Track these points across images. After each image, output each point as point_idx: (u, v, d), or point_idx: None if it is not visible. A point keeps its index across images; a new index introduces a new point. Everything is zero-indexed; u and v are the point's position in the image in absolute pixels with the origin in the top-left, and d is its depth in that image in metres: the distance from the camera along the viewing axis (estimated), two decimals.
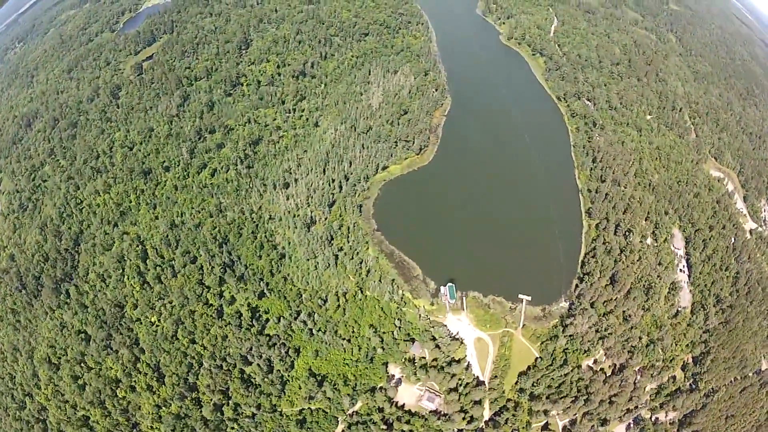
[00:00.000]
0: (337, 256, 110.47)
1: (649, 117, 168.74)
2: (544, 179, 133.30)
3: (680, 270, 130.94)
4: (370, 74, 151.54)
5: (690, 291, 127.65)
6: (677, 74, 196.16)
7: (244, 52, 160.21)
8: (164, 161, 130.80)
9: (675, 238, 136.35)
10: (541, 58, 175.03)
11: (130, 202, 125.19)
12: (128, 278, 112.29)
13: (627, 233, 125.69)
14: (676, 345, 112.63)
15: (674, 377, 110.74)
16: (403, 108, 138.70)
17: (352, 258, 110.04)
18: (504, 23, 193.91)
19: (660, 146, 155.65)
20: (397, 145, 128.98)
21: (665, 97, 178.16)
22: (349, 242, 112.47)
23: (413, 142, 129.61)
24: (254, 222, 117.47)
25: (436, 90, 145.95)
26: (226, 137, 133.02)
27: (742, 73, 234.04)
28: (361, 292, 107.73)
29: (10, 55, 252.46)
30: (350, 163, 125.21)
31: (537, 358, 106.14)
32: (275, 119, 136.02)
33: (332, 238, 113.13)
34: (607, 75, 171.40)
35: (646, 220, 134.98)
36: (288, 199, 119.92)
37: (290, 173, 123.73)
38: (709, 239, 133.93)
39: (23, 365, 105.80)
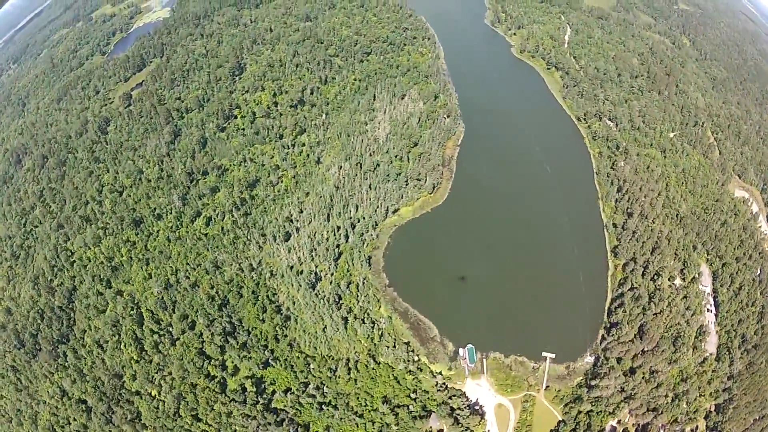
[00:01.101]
0: (346, 319, 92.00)
1: (672, 135, 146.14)
2: (566, 214, 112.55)
3: (708, 310, 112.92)
4: (374, 99, 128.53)
5: (716, 332, 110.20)
6: (696, 83, 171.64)
7: (237, 78, 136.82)
8: (155, 208, 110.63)
9: (703, 275, 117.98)
10: (557, 72, 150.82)
11: (122, 256, 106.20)
12: (125, 346, 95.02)
13: (655, 276, 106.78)
14: (701, 396, 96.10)
15: (696, 427, 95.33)
16: (413, 139, 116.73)
17: (363, 321, 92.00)
18: (515, 34, 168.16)
19: (685, 168, 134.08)
20: (407, 184, 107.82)
21: (687, 111, 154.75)
22: (358, 302, 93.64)
23: (425, 180, 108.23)
24: (254, 280, 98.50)
25: (448, 117, 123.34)
26: (220, 180, 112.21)
27: (755, 74, 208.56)
28: (374, 359, 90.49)
29: (4, 78, 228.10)
30: (357, 207, 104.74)
31: (560, 421, 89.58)
32: (273, 157, 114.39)
33: (340, 298, 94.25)
34: (628, 90, 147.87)
35: (674, 256, 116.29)
36: (290, 251, 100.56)
37: (291, 221, 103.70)
38: (737, 273, 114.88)
39: (28, 430, 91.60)
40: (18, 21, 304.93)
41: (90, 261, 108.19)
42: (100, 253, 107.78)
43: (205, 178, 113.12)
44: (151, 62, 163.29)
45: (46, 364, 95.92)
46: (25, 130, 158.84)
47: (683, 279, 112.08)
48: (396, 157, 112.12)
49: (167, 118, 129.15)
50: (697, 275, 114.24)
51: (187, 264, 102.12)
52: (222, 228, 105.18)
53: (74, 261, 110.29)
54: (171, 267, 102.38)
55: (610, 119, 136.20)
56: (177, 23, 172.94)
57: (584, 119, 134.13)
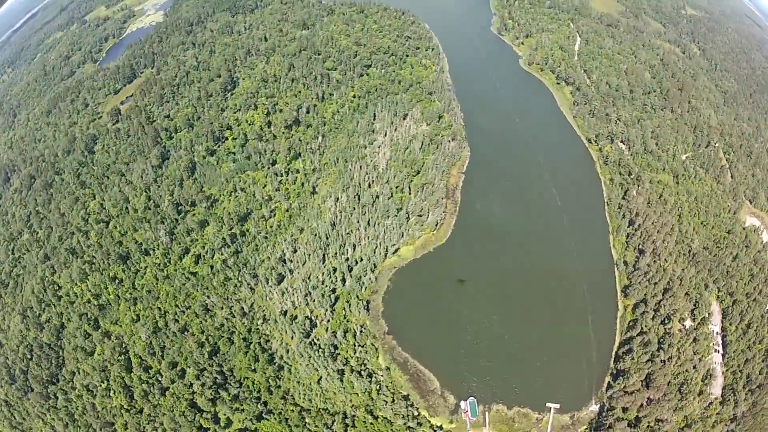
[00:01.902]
0: (342, 371, 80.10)
1: (684, 157, 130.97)
2: (575, 250, 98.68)
3: (715, 350, 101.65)
4: (374, 119, 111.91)
5: (722, 373, 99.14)
6: (708, 99, 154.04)
7: (229, 94, 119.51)
8: (142, 242, 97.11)
9: (713, 314, 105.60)
10: (567, 87, 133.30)
11: (109, 294, 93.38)
12: (114, 393, 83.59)
13: (666, 320, 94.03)
14: None
15: None
16: (415, 167, 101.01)
17: (360, 374, 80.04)
18: (522, 43, 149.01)
19: (698, 196, 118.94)
20: (409, 221, 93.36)
21: (700, 130, 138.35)
22: (355, 353, 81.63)
23: (427, 216, 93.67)
24: (246, 326, 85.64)
25: (453, 140, 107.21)
26: (209, 212, 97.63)
27: (764, 84, 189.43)
28: (371, 414, 79.64)
29: None
30: (354, 246, 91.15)
31: None
32: (265, 186, 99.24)
33: (336, 348, 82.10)
34: (640, 108, 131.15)
35: (685, 296, 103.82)
36: (283, 295, 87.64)
37: (284, 262, 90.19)
38: (746, 310, 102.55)
39: None
40: (15, 21, 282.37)
41: (77, 297, 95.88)
42: (87, 290, 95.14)
43: (193, 210, 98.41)
44: (141, 73, 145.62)
45: (37, 404, 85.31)
46: (14, 144, 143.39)
47: (693, 320, 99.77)
48: (397, 188, 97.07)
49: (155, 139, 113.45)
50: (707, 315, 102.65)
51: (176, 306, 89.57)
52: (211, 267, 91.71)
53: (61, 296, 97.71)
54: (159, 308, 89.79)
55: (622, 141, 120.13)
56: (169, 30, 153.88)
57: (595, 141, 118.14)
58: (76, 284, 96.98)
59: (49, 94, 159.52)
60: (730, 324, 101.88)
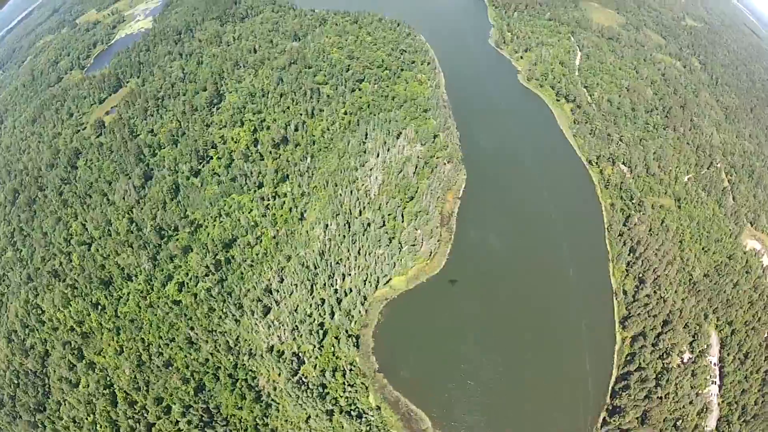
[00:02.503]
0: (332, 411, 73.25)
1: (687, 178, 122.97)
2: (574, 278, 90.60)
3: (712, 382, 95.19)
4: (366, 138, 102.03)
5: (718, 404, 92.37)
6: (709, 116, 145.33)
7: (215, 109, 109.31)
8: (125, 267, 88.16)
9: (711, 346, 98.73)
10: (567, 104, 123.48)
11: (91, 321, 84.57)
12: (101, 427, 75.26)
13: (664, 354, 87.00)
14: None
15: None
16: (409, 193, 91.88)
17: (350, 414, 72.70)
18: (522, 57, 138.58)
19: (700, 221, 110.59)
20: (401, 249, 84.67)
21: (702, 150, 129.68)
22: (345, 392, 73.98)
23: (421, 245, 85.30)
24: (232, 361, 77.21)
25: (449, 163, 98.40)
26: (192, 237, 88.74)
27: (764, 98, 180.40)
28: None
29: None
30: (344, 277, 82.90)
31: None
32: (251, 210, 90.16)
33: (325, 387, 74.63)
34: (642, 127, 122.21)
35: (684, 327, 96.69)
36: (269, 328, 79.82)
37: (270, 292, 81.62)
38: (745, 340, 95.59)
39: None
40: (10, 21, 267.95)
41: (60, 323, 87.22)
42: (70, 317, 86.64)
43: (176, 235, 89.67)
44: (127, 82, 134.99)
45: None
46: (1, 153, 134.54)
47: (692, 352, 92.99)
48: (389, 215, 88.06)
49: (138, 156, 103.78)
50: (705, 347, 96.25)
51: (160, 338, 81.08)
52: (195, 296, 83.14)
53: (44, 321, 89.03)
54: (143, 339, 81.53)
55: (624, 163, 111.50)
56: (156, 39, 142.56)
57: (596, 163, 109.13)
58: (59, 310, 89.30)
59: (35, 101, 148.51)
60: (728, 354, 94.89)
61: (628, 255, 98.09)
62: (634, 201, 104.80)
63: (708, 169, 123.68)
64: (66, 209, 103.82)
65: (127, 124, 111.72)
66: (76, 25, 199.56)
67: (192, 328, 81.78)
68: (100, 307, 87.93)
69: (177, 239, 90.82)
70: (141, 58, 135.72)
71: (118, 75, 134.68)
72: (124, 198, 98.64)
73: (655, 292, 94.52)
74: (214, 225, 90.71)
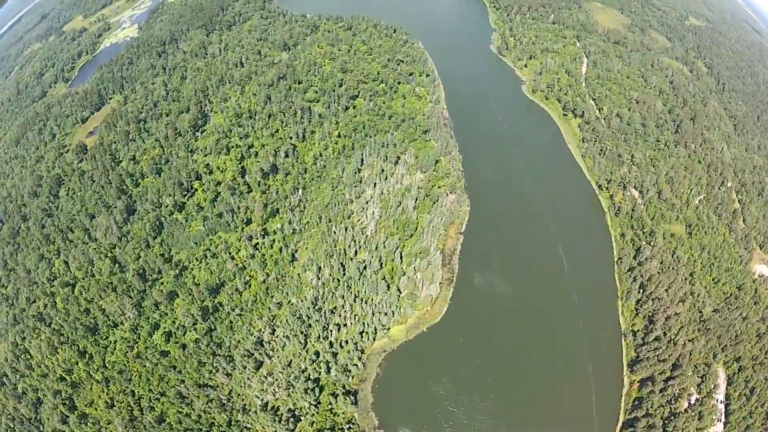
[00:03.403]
0: None
1: (698, 200, 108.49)
2: (581, 318, 77.54)
3: (718, 420, 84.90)
4: (362, 165, 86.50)
5: None
6: (719, 128, 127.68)
7: (199, 132, 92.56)
8: (110, 314, 75.07)
9: (719, 385, 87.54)
10: (575, 119, 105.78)
11: (80, 371, 72.60)
12: None
13: (672, 399, 74.76)
14: None
15: None
16: (408, 229, 77.15)
17: None
18: (526, 65, 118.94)
19: (711, 249, 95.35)
20: (400, 296, 71.33)
21: (714, 169, 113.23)
22: None
23: (421, 291, 71.96)
24: (225, 417, 65.54)
25: (451, 193, 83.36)
26: (177, 282, 75.03)
27: None
28: None
29: None
30: (339, 327, 69.89)
31: None
32: (239, 251, 76.29)
33: None
34: (653, 145, 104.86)
35: (693, 369, 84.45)
36: (263, 383, 67.71)
37: (262, 344, 69.01)
38: (752, 376, 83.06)
39: None
40: (3, 25, 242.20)
41: (49, 371, 75.17)
42: (58, 365, 74.46)
43: (160, 278, 75.97)
44: (110, 98, 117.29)
45: None
46: None
47: (699, 393, 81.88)
48: (387, 257, 73.89)
49: (120, 187, 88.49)
50: (713, 387, 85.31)
51: (150, 391, 69.05)
52: (184, 347, 70.80)
53: (33, 367, 76.95)
54: (133, 392, 69.70)
55: (635, 187, 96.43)
56: (140, 50, 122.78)
57: (606, 188, 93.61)
58: (47, 356, 77.51)
59: (19, 119, 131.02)
60: (735, 390, 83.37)
61: (638, 292, 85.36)
62: (645, 230, 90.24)
63: (719, 188, 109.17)
64: (48, 246, 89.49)
65: (108, 150, 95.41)
66: (63, 32, 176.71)
67: (183, 381, 70.28)
68: (87, 356, 75.58)
69: (161, 283, 77.45)
70: (123, 73, 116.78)
71: (100, 91, 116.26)
72: (106, 235, 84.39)
73: (665, 333, 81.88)
74: (200, 267, 76.74)
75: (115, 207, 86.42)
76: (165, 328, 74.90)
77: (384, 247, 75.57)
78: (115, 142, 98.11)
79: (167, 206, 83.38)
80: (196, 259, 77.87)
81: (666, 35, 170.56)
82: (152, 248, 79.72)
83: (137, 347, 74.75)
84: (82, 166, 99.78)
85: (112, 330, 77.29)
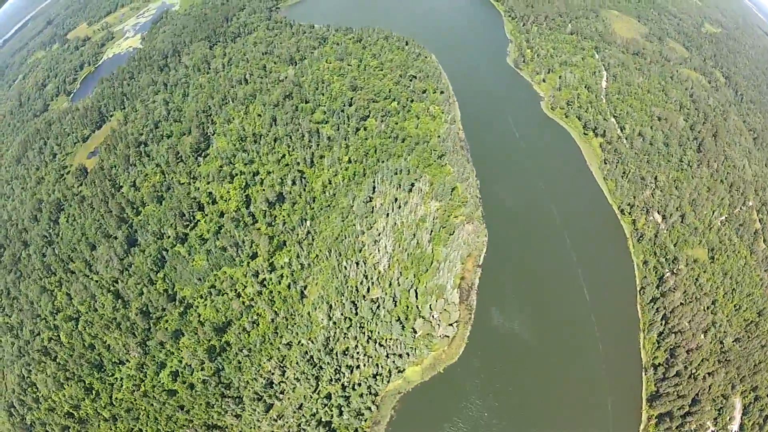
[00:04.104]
0: None
1: (719, 221, 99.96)
2: (602, 352, 69.53)
3: None
4: (373, 193, 77.48)
5: None
6: (739, 143, 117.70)
7: (201, 157, 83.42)
8: (114, 350, 67.97)
9: (735, 417, 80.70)
10: (596, 139, 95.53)
11: (87, 407, 65.86)
12: None
13: None
14: None
15: None
16: (424, 264, 68.64)
17: None
18: (544, 80, 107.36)
19: (732, 274, 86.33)
20: (415, 336, 63.81)
21: (736, 188, 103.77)
22: None
23: (437, 330, 64.43)
24: None
25: (468, 223, 74.42)
26: (182, 320, 67.44)
27: None
28: None
29: None
30: (352, 369, 62.82)
31: None
32: (245, 287, 68.24)
33: None
34: (677, 166, 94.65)
35: (711, 402, 77.53)
36: (273, 425, 59.68)
37: (272, 386, 62.01)
38: (766, 406, 78.27)
39: None
40: (7, 30, 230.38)
41: (56, 405, 68.81)
42: (65, 401, 68.00)
43: (165, 314, 68.27)
44: (111, 115, 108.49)
45: None
46: None
47: (715, 425, 75.02)
48: (402, 296, 65.78)
49: (120, 215, 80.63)
50: (729, 419, 78.71)
51: (158, 430, 62.23)
52: (192, 386, 63.95)
53: (40, 401, 70.61)
54: (141, 431, 63.52)
55: (658, 211, 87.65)
56: (141, 64, 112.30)
57: (629, 213, 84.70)
58: (54, 391, 71.51)
59: (21, 135, 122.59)
60: (749, 420, 76.11)
61: (661, 323, 77.40)
62: (668, 257, 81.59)
63: (741, 208, 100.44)
64: (50, 276, 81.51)
65: (108, 175, 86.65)
66: (67, 41, 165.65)
67: (191, 422, 63.83)
68: (94, 392, 68.72)
69: (166, 321, 70.50)
70: (124, 88, 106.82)
71: (100, 108, 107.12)
72: (107, 268, 77.54)
73: (686, 367, 74.12)
74: (205, 305, 68.74)
75: (116, 238, 78.47)
76: (172, 367, 67.82)
77: (398, 284, 67.77)
78: (115, 166, 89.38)
79: (169, 237, 75.33)
80: (201, 297, 69.76)
81: (683, 44, 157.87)
82: (155, 284, 72.21)
83: (144, 385, 67.91)
84: (82, 191, 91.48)
85: (118, 367, 70.20)
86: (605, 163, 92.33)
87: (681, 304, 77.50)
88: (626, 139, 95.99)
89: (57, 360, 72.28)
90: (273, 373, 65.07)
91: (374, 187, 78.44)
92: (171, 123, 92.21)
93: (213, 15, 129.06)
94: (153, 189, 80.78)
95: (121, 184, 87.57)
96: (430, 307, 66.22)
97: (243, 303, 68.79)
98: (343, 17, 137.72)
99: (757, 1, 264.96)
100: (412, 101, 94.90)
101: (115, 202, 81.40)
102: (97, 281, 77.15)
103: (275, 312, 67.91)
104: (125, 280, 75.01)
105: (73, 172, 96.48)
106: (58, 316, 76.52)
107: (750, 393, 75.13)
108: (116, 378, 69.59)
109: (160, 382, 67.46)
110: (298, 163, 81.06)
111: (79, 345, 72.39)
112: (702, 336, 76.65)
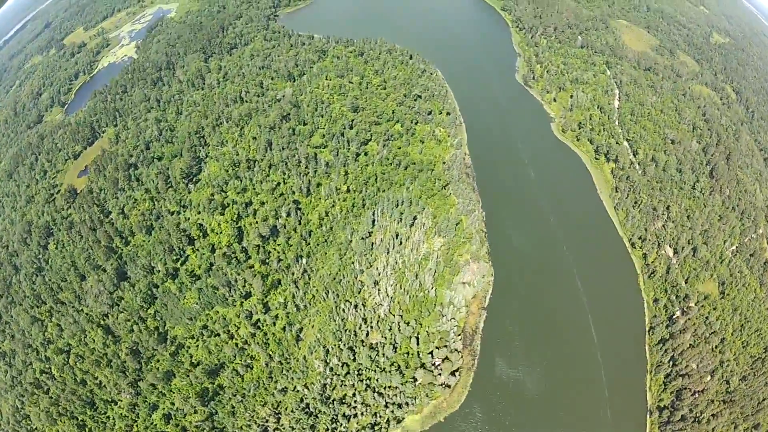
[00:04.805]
0: None
1: (730, 251, 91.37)
2: (609, 396, 62.63)
3: None
4: (373, 226, 68.41)
5: None
6: (751, 165, 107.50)
7: (193, 183, 74.06)
8: (106, 387, 61.46)
9: None
10: (608, 164, 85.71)
11: None
12: None
13: None
14: None
15: None
16: (426, 306, 61.00)
17: None
18: (555, 99, 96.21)
19: (741, 310, 77.34)
20: (415, 383, 57.02)
21: (747, 216, 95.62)
22: None
23: (438, 378, 57.57)
24: None
25: (474, 261, 65.73)
26: (174, 360, 60.57)
27: None
28: None
29: None
30: (348, 418, 56.51)
31: None
32: (238, 328, 61.02)
33: None
34: (689, 194, 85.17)
35: None
36: None
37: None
38: None
39: None
40: (6, 31, 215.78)
41: None
42: None
43: (155, 354, 61.20)
44: (103, 131, 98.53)
45: None
46: None
47: None
48: (402, 342, 58.46)
49: (109, 245, 71.78)
50: None
51: None
52: (185, 429, 57.16)
53: None
54: None
55: (669, 244, 78.41)
56: (135, 77, 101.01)
57: (639, 246, 76.14)
58: (48, 426, 65.68)
59: (14, 147, 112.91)
60: None
61: (669, 365, 70.03)
62: (679, 294, 73.47)
63: (752, 236, 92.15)
64: (40, 307, 74.17)
65: (96, 200, 77.73)
66: (63, 46, 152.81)
67: None
68: (87, 429, 62.60)
69: (157, 360, 63.78)
70: (117, 104, 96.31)
71: (92, 124, 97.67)
72: (96, 301, 70.19)
73: (691, 410, 67.64)
74: (197, 345, 61.70)
75: (104, 270, 70.02)
76: (164, 409, 61.36)
77: (399, 330, 61.06)
78: (103, 190, 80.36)
79: (159, 272, 67.58)
80: (193, 337, 63.00)
81: (694, 56, 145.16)
82: (145, 321, 65.48)
83: (137, 426, 62.02)
84: (71, 215, 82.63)
85: (110, 405, 64.37)
86: (616, 191, 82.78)
87: (690, 345, 70.93)
88: (639, 164, 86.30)
89: (49, 394, 66.05)
90: (268, 420, 58.83)
91: (374, 221, 69.54)
92: (163, 144, 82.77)
93: (208, 24, 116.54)
94: (142, 217, 72.17)
95: (110, 209, 78.81)
96: (432, 355, 59.41)
97: (236, 344, 61.92)
98: (345, 25, 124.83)
99: (761, 8, 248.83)
100: (416, 123, 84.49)
101: (103, 232, 72.95)
102: (87, 314, 70.05)
103: (270, 355, 60.92)
104: (115, 315, 67.63)
105: (62, 194, 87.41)
106: (50, 348, 69.65)
107: (752, 431, 69.95)
108: (108, 417, 63.85)
109: (152, 423, 61.32)
110: (294, 192, 71.63)
111: (71, 380, 65.72)
112: (709, 377, 70.33)
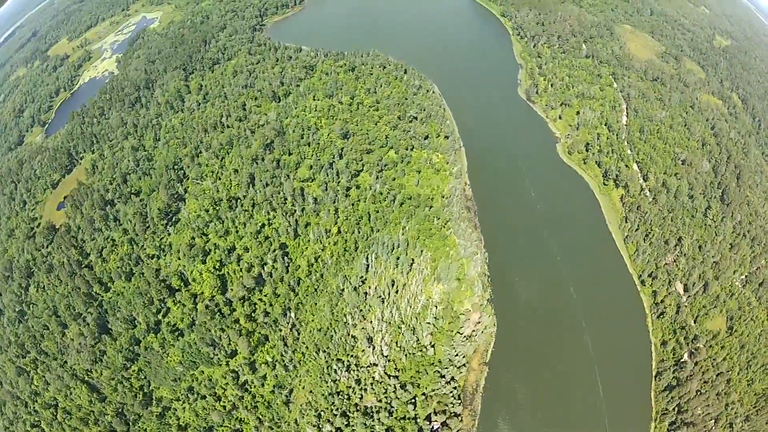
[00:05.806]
0: None
1: (738, 281, 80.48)
2: None
3: None
4: (367, 273, 56.68)
5: None
6: (760, 183, 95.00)
7: (171, 224, 61.84)
8: None
9: None
10: (617, 190, 72.16)
11: None
12: None
13: None
14: None
15: None
16: (424, 365, 50.63)
17: None
18: (560, 117, 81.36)
19: (749, 346, 65.65)
20: None
21: (757, 242, 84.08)
22: None
23: None
24: None
25: (474, 310, 54.85)
26: (161, 423, 50.95)
27: None
28: None
29: None
30: None
31: None
32: (225, 389, 51.35)
33: None
34: (701, 222, 72.35)
35: None
36: None
37: None
38: None
39: None
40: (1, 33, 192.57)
41: None
42: None
43: (142, 418, 51.83)
44: (80, 158, 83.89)
45: None
46: None
47: None
48: (398, 406, 48.60)
49: (88, 293, 60.08)
50: None
51: None
52: None
53: None
54: None
55: (680, 281, 67.66)
56: (112, 98, 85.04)
57: (650, 284, 64.84)
58: None
59: None
60: None
61: (675, 412, 61.27)
62: (688, 336, 62.64)
63: (762, 263, 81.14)
64: (24, 357, 63.63)
65: (74, 241, 65.25)
66: (47, 58, 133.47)
67: None
68: None
69: (143, 422, 54.42)
70: (94, 128, 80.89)
71: (70, 150, 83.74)
72: (79, 355, 60.18)
73: None
74: (184, 407, 51.97)
75: (85, 319, 58.73)
76: None
77: (394, 390, 51.79)
78: (81, 229, 67.66)
79: (141, 324, 56.64)
80: (179, 399, 53.19)
81: (699, 62, 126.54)
82: (129, 380, 55.65)
83: None
84: (50, 253, 70.16)
85: None
86: (626, 221, 69.96)
87: (697, 392, 62.37)
88: (649, 191, 73.42)
89: None
90: None
91: (367, 267, 57.69)
92: (140, 176, 69.17)
93: (191, 37, 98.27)
94: (121, 262, 60.52)
95: (88, 251, 67.23)
96: (429, 419, 50.58)
97: (224, 407, 52.30)
98: (336, 34, 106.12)
99: (761, 6, 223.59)
100: (412, 149, 69.95)
101: (81, 278, 61.65)
102: (71, 367, 60.48)
103: (259, 419, 51.96)
104: (99, 371, 57.60)
105: (41, 231, 74.86)
106: (38, 402, 59.90)
107: None
108: None
109: None
110: (280, 235, 59.43)
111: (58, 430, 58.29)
112: (713, 423, 62.43)
